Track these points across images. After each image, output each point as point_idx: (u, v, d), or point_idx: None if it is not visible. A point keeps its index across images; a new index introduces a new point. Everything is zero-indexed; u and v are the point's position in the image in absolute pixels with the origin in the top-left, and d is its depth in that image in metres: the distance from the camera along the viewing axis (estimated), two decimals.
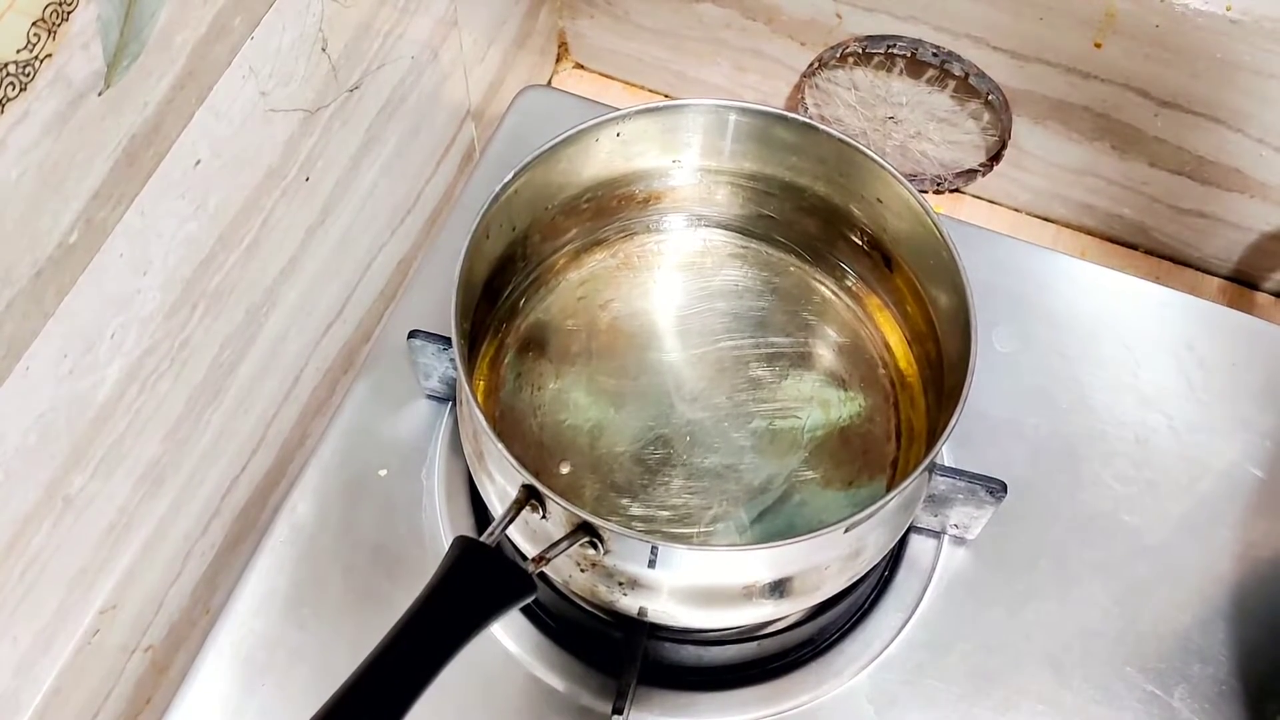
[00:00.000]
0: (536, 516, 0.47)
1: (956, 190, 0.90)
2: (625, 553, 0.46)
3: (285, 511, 0.59)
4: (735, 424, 0.56)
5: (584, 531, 0.45)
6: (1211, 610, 0.58)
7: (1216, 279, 0.87)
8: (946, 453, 0.61)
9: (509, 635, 0.56)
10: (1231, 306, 0.82)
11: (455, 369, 0.52)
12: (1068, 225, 0.89)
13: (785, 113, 0.56)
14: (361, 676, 0.38)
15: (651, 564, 0.46)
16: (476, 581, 0.42)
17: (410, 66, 0.69)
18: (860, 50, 0.82)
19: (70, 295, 0.45)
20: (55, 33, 0.39)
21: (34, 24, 0.38)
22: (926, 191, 0.90)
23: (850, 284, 0.61)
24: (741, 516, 0.54)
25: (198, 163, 0.50)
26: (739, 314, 0.60)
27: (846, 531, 0.46)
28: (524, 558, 0.49)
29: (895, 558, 0.59)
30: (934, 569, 0.59)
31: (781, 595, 0.49)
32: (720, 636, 0.55)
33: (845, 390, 0.58)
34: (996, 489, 0.55)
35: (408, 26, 0.66)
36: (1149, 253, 0.88)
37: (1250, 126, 0.75)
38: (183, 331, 0.54)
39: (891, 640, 0.57)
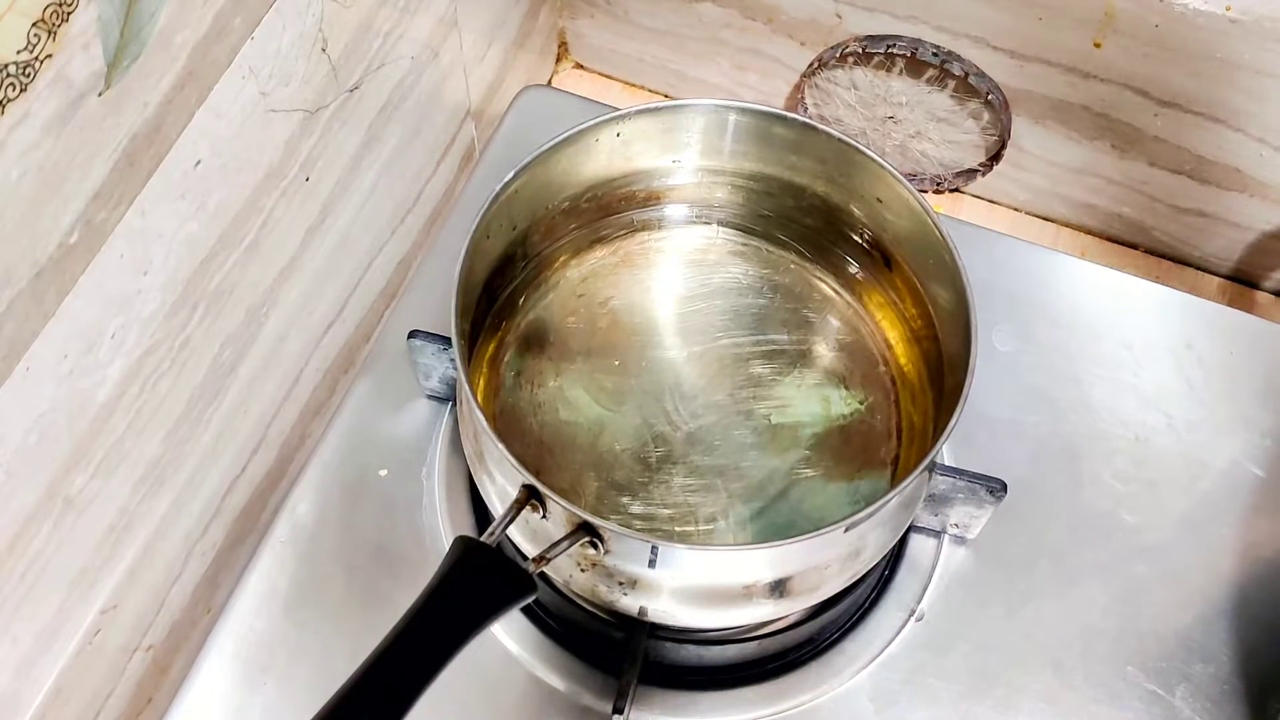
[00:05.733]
0: (537, 516, 0.47)
1: (956, 190, 0.90)
2: (625, 552, 0.46)
3: (286, 511, 0.59)
4: (736, 421, 0.56)
5: (584, 531, 0.45)
6: (1212, 609, 0.58)
7: (1216, 278, 0.87)
8: (947, 452, 0.61)
9: (509, 635, 0.56)
10: (1231, 306, 0.82)
11: (455, 369, 0.52)
12: (1068, 225, 0.89)
13: (785, 113, 0.56)
14: (362, 676, 0.38)
15: (652, 564, 0.46)
16: (477, 581, 0.42)
17: (410, 66, 0.69)
18: (860, 50, 0.82)
19: (70, 296, 0.45)
20: (55, 33, 0.39)
21: (34, 25, 0.38)
22: (926, 191, 0.90)
23: (851, 281, 0.61)
24: (742, 514, 0.54)
25: (198, 163, 0.50)
26: (739, 311, 0.60)
27: (847, 531, 0.46)
28: (524, 558, 0.49)
29: (895, 557, 0.59)
30: (934, 568, 0.59)
31: (782, 595, 0.49)
32: (720, 636, 0.55)
33: (846, 388, 0.58)
34: (997, 488, 0.55)
35: (408, 26, 0.66)
36: (1149, 252, 0.88)
37: (1250, 126, 0.75)
38: (183, 331, 0.54)
39: (891, 640, 0.57)
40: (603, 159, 0.57)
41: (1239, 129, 0.75)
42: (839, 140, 0.55)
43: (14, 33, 0.37)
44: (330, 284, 0.68)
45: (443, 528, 0.59)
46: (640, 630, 0.53)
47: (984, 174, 0.87)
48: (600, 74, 0.97)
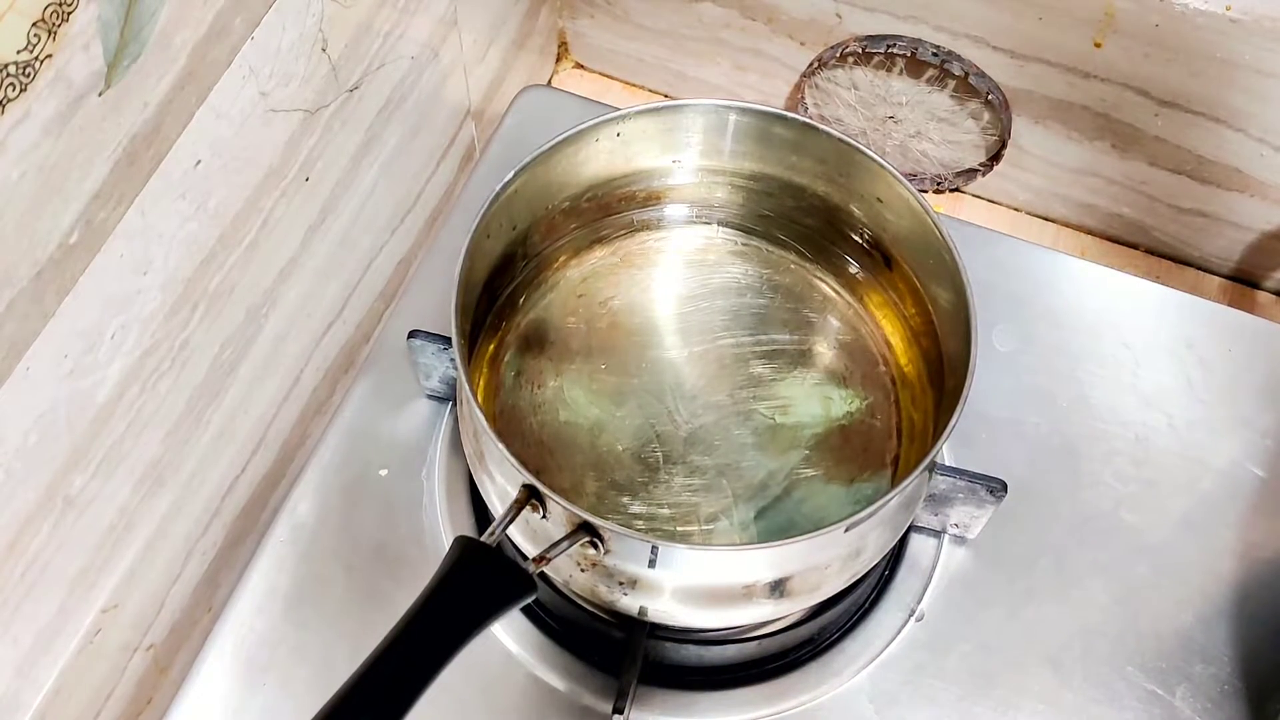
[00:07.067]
0: (537, 516, 0.47)
1: (956, 190, 0.90)
2: (626, 552, 0.46)
3: (286, 511, 0.59)
4: (736, 421, 0.56)
5: (584, 531, 0.45)
6: (1212, 609, 0.58)
7: (1217, 278, 0.87)
8: (947, 452, 0.61)
9: (509, 635, 0.56)
10: (1232, 305, 0.82)
11: (455, 369, 0.52)
12: (1068, 225, 0.89)
13: (785, 112, 0.56)
14: (363, 676, 0.38)
15: (652, 564, 0.46)
16: (477, 581, 0.42)
17: (410, 66, 0.69)
18: (860, 50, 0.82)
19: (71, 295, 0.45)
20: (55, 33, 0.39)
21: (34, 24, 0.38)
22: (926, 191, 0.90)
23: (851, 282, 0.61)
24: (743, 514, 0.54)
25: (198, 163, 0.50)
26: (739, 311, 0.60)
27: (847, 531, 0.46)
28: (524, 557, 0.49)
29: (895, 557, 0.59)
30: (934, 568, 0.59)
31: (782, 595, 0.49)
32: (720, 636, 0.55)
33: (846, 387, 0.58)
34: (997, 488, 0.55)
35: (408, 26, 0.66)
36: (1149, 252, 0.88)
37: (1250, 126, 0.75)
38: (183, 331, 0.54)
39: (891, 640, 0.57)
40: (603, 159, 0.57)
41: (1239, 129, 0.75)
42: (839, 140, 0.55)
43: (14, 33, 0.37)
44: (330, 284, 0.68)
45: (443, 528, 0.59)
46: (640, 630, 0.53)
47: (984, 174, 0.87)
48: (600, 74, 0.97)
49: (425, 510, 0.60)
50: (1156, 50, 0.73)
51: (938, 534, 0.60)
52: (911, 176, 0.88)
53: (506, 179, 0.53)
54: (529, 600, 0.43)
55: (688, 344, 0.59)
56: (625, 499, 0.54)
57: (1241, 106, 0.74)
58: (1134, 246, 0.88)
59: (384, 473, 0.61)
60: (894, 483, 0.55)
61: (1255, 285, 0.86)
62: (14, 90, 0.38)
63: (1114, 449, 0.63)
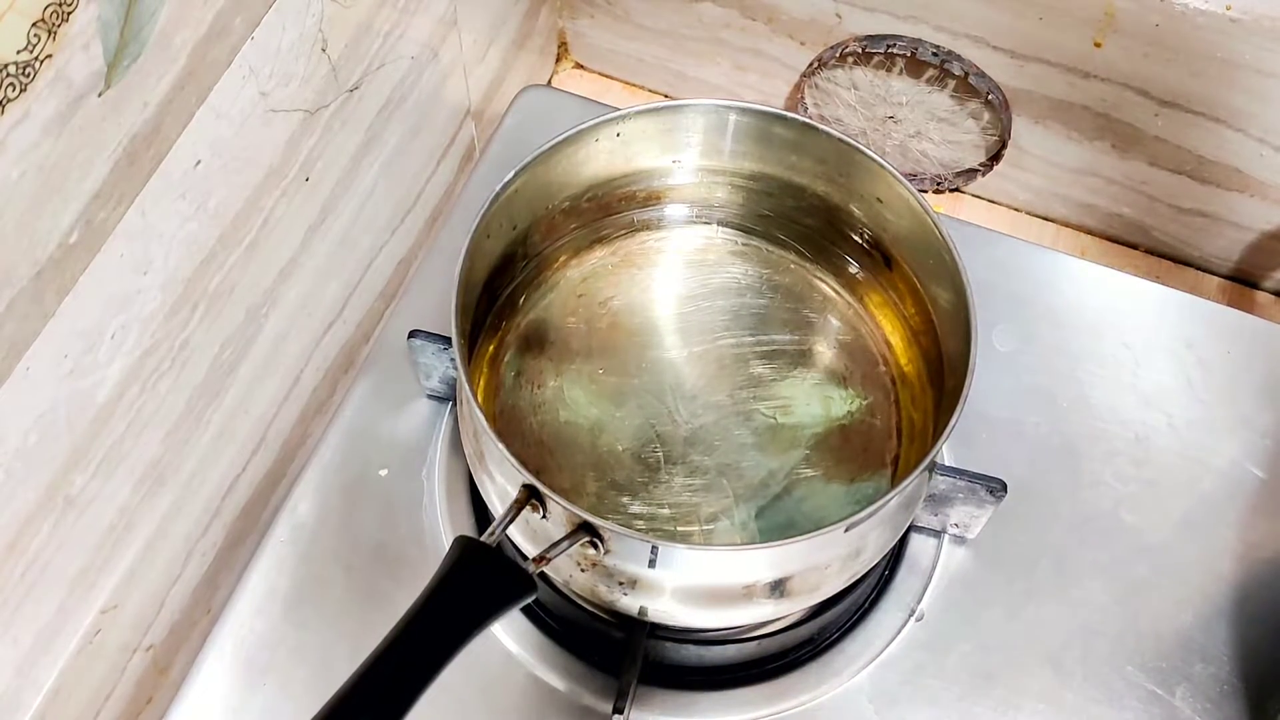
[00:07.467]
0: (537, 516, 0.47)
1: (956, 190, 0.90)
2: (626, 552, 0.46)
3: (286, 511, 0.59)
4: (736, 421, 0.56)
5: (584, 531, 0.45)
6: (1212, 609, 0.58)
7: (1216, 278, 0.87)
8: (947, 452, 0.61)
9: (509, 635, 0.56)
10: (1232, 305, 0.82)
11: (455, 369, 0.52)
12: (1068, 225, 0.89)
13: (785, 112, 0.56)
14: (362, 676, 0.38)
15: (652, 564, 0.46)
16: (477, 581, 0.42)
17: (410, 66, 0.69)
18: (860, 50, 0.82)
19: (71, 295, 0.45)
20: (55, 33, 0.39)
21: (34, 24, 0.38)
22: (926, 191, 0.90)
23: (851, 281, 0.61)
24: (743, 514, 0.54)
25: (198, 163, 0.50)
26: (739, 311, 0.60)
27: (847, 531, 0.46)
28: (524, 557, 0.49)
29: (895, 557, 0.59)
30: (934, 568, 0.59)
31: (782, 594, 0.49)
32: (720, 636, 0.55)
33: (846, 387, 0.58)
34: (997, 488, 0.55)
35: (408, 26, 0.66)
36: (1149, 252, 0.88)
37: (1250, 126, 0.75)
38: (183, 331, 0.54)
39: (891, 640, 0.57)
40: (603, 159, 0.57)
41: (1239, 129, 0.75)
42: (839, 140, 0.55)
43: (14, 33, 0.37)
44: (330, 284, 0.68)
45: (443, 528, 0.59)
46: (640, 630, 0.53)
47: (984, 174, 0.87)
48: (600, 74, 0.97)
49: (425, 510, 0.60)
50: (1156, 50, 0.73)
51: (938, 534, 0.60)
52: (911, 176, 0.88)
53: (506, 179, 0.53)
54: (529, 600, 0.43)
55: (688, 344, 0.59)
56: (625, 499, 0.54)
57: (1241, 106, 0.74)
58: (1134, 246, 0.88)
59: (384, 473, 0.61)
60: (894, 483, 0.55)
61: (1255, 285, 0.86)
62: (14, 90, 0.38)
63: (1114, 449, 0.63)
